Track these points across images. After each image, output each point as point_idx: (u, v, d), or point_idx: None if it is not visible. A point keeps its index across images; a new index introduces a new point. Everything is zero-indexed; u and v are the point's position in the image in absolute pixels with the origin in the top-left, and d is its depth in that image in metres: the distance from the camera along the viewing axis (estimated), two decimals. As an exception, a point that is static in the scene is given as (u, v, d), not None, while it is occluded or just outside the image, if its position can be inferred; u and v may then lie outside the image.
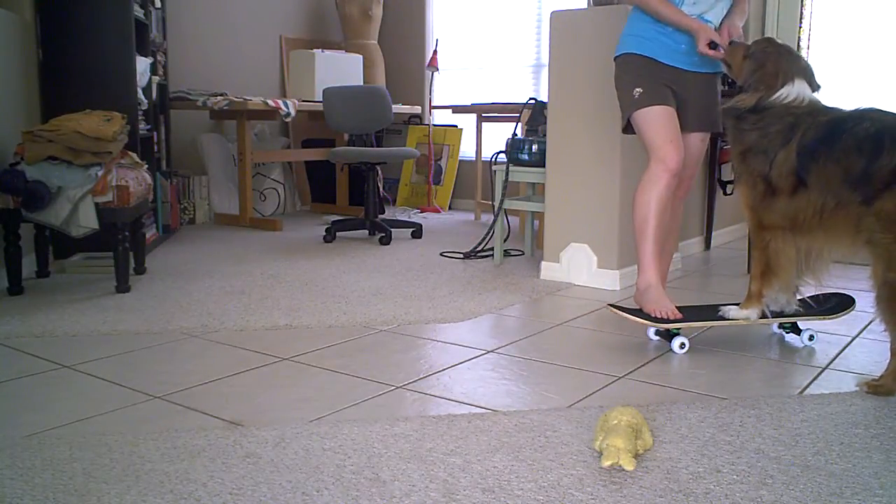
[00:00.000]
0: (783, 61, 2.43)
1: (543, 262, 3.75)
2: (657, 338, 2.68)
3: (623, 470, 1.66)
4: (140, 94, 4.13)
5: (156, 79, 4.62)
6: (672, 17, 2.71)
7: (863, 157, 2.16)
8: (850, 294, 2.72)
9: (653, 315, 2.62)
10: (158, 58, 4.84)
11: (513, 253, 4.35)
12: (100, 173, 3.27)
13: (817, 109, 2.35)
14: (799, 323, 2.67)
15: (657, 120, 2.74)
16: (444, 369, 2.40)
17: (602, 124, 3.48)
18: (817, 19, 5.29)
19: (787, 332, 2.71)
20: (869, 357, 2.51)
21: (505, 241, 4.18)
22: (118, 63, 3.96)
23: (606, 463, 1.66)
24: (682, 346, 2.56)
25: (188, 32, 5.65)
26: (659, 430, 1.89)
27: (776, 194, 2.35)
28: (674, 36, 2.75)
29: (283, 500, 1.54)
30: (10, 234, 3.27)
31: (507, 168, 3.96)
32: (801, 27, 5.32)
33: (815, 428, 1.92)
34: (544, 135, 3.88)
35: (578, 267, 3.63)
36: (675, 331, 2.58)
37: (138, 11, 4.21)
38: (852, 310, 2.62)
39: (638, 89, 2.77)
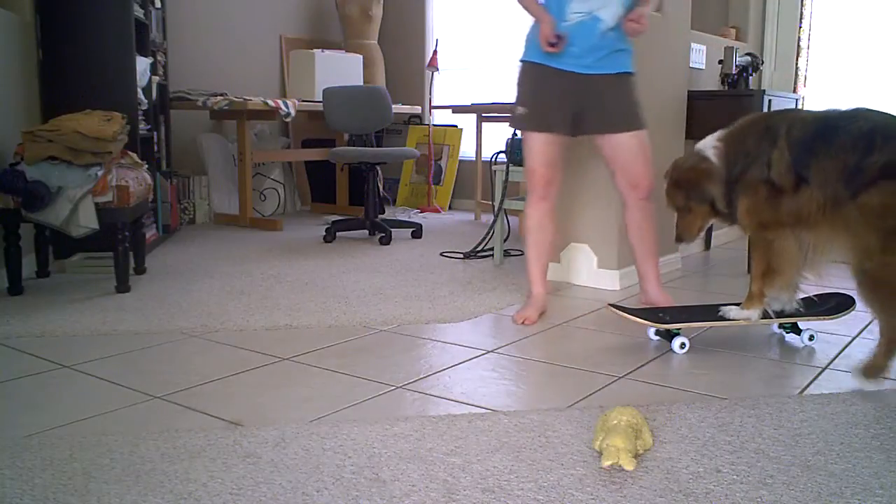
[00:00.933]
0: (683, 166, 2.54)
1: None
2: (657, 338, 2.68)
3: (623, 470, 1.66)
4: (140, 94, 4.13)
5: (156, 79, 4.62)
6: (527, 7, 2.76)
7: (856, 154, 2.21)
8: (851, 294, 2.72)
9: (514, 321, 2.88)
10: (158, 58, 4.83)
11: (513, 253, 4.35)
12: (100, 173, 3.27)
13: (775, 113, 2.46)
14: (799, 323, 2.67)
15: (530, 145, 2.88)
16: (444, 369, 2.40)
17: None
18: (817, 19, 5.29)
19: (788, 332, 2.71)
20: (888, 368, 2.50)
21: (505, 241, 4.18)
22: (118, 63, 3.96)
23: (606, 463, 1.66)
24: (682, 346, 2.56)
25: (188, 32, 5.65)
26: (659, 430, 1.89)
27: (780, 194, 2.36)
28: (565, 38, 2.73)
29: (283, 500, 1.54)
30: (10, 234, 3.27)
31: (507, 168, 3.96)
32: (801, 27, 5.32)
33: (815, 428, 1.92)
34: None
35: (578, 267, 3.63)
36: (675, 331, 2.58)
37: (138, 11, 4.20)
38: (853, 310, 2.62)
39: (522, 109, 2.85)
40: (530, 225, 2.99)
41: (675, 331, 2.58)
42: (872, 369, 2.23)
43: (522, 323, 2.92)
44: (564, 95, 2.79)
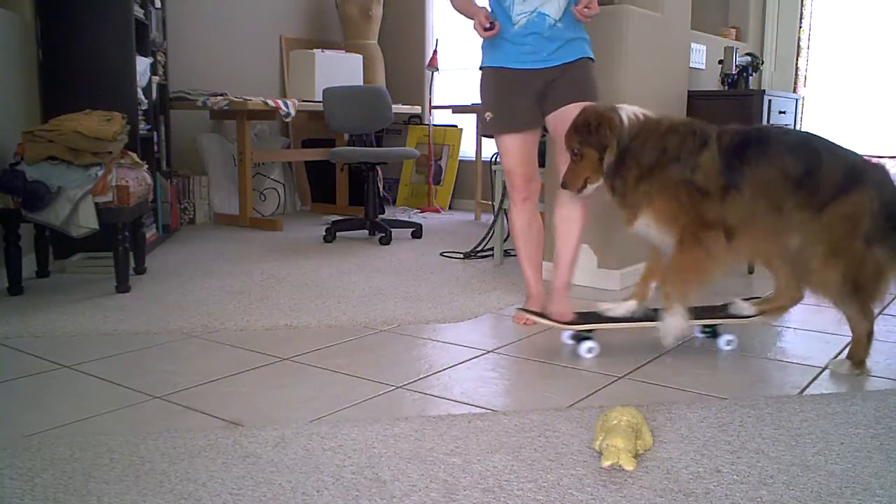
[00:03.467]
0: (599, 112, 2.45)
1: (544, 262, 3.74)
2: (572, 341, 2.66)
3: (623, 470, 1.66)
4: (140, 94, 4.13)
5: (156, 79, 4.62)
6: (461, 8, 2.83)
7: (800, 163, 2.27)
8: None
9: (515, 321, 2.81)
10: (158, 58, 4.83)
11: (513, 253, 4.34)
12: (100, 173, 3.27)
13: (700, 121, 2.42)
14: (718, 328, 2.62)
15: (504, 148, 2.88)
16: (444, 369, 2.40)
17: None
18: (817, 19, 5.29)
19: (707, 337, 2.67)
20: (869, 357, 2.50)
21: (505, 241, 4.18)
22: (118, 63, 3.96)
23: (606, 463, 1.66)
24: (589, 350, 2.53)
25: (188, 32, 5.65)
26: (659, 430, 1.89)
27: (705, 198, 2.32)
28: (517, 39, 2.75)
29: (283, 500, 1.54)
30: (10, 234, 3.27)
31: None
32: (801, 27, 5.32)
33: (815, 428, 1.92)
34: (544, 135, 3.88)
35: (579, 267, 3.62)
36: (585, 334, 2.56)
37: (138, 11, 4.20)
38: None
39: (489, 114, 2.86)
40: (518, 228, 2.97)
41: (586, 334, 2.56)
42: (860, 365, 2.37)
43: (524, 324, 2.91)
44: (527, 92, 2.79)
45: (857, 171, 2.27)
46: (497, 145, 2.94)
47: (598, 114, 2.42)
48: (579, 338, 2.57)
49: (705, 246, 2.35)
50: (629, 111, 2.42)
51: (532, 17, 2.73)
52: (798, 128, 4.73)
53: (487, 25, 2.73)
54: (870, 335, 2.38)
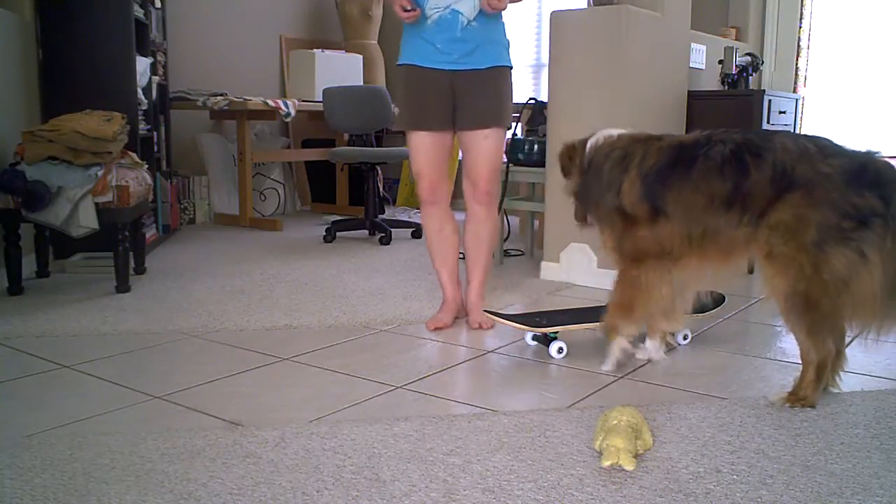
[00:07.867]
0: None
1: (543, 262, 3.75)
2: (535, 343, 2.65)
3: (623, 470, 1.66)
4: (140, 94, 4.13)
5: (156, 79, 4.62)
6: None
7: (728, 180, 2.10)
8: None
9: (427, 327, 2.83)
10: (158, 58, 4.83)
11: (512, 253, 4.35)
12: (100, 173, 3.27)
13: (645, 136, 2.32)
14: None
15: (413, 146, 2.82)
16: (444, 369, 2.40)
17: (601, 125, 3.47)
18: (817, 19, 5.29)
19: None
20: (869, 357, 2.51)
21: (505, 241, 4.18)
22: (118, 63, 3.96)
23: (606, 463, 1.66)
24: (559, 350, 2.52)
25: (188, 32, 5.65)
26: (659, 430, 1.89)
27: (635, 224, 2.27)
28: (426, 36, 2.69)
29: (283, 500, 1.54)
30: (10, 234, 3.27)
31: (507, 168, 3.96)
32: (801, 27, 5.32)
33: (815, 428, 1.92)
34: (544, 135, 3.88)
35: (578, 267, 3.63)
36: (552, 335, 2.55)
37: (138, 11, 4.20)
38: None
39: (400, 110, 2.86)
40: (429, 231, 2.89)
41: (553, 335, 2.55)
42: (806, 401, 2.06)
43: (435, 329, 2.83)
44: (436, 93, 2.73)
45: (785, 174, 2.03)
46: (408, 144, 2.84)
47: (564, 146, 2.50)
48: (547, 339, 2.56)
49: (641, 279, 2.30)
50: (598, 136, 2.40)
51: (445, 13, 2.65)
52: (798, 128, 4.74)
53: (408, 7, 2.61)
54: (820, 368, 2.06)
